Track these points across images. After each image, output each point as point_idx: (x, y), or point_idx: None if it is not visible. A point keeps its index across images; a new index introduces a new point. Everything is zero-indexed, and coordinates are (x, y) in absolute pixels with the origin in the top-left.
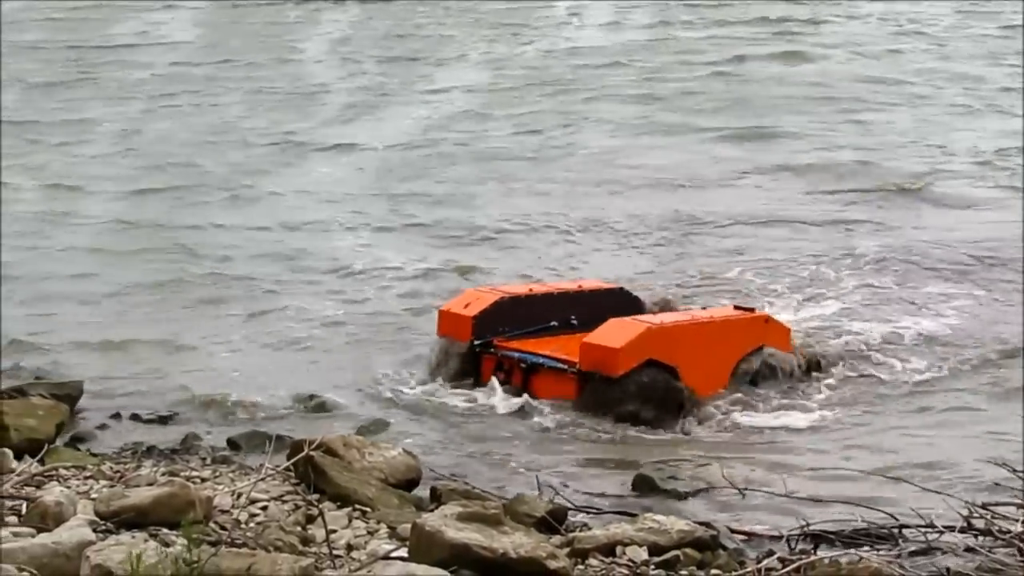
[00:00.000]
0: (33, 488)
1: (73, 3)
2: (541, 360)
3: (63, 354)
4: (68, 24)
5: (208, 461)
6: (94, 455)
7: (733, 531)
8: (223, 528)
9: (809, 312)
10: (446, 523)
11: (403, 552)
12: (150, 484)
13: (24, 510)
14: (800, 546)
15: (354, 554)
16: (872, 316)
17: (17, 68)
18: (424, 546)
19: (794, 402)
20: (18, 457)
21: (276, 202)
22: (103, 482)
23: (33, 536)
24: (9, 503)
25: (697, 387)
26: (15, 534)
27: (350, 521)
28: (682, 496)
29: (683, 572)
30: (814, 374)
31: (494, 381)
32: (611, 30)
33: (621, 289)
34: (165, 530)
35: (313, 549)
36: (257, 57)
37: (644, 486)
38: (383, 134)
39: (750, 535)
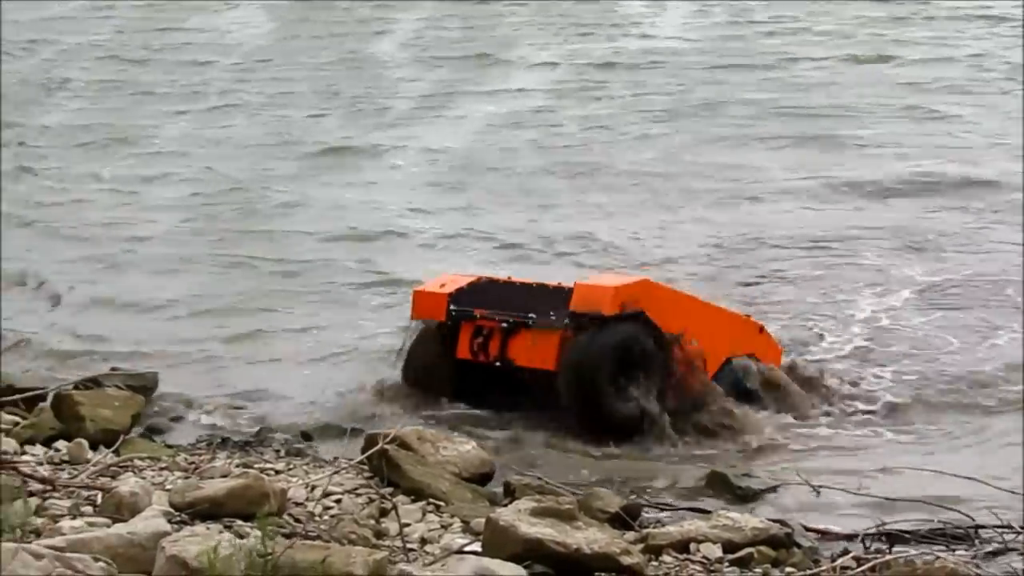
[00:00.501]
0: (108, 478)
1: (142, 3)
2: (524, 318)
3: (137, 348)
4: (134, 24)
5: (282, 453)
6: (169, 446)
7: (807, 529)
8: (297, 521)
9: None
10: (520, 518)
11: (477, 547)
12: (224, 476)
13: (99, 500)
14: (875, 545)
15: (428, 548)
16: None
17: (81, 71)
18: (498, 541)
19: (863, 403)
20: (93, 447)
21: (344, 204)
22: (178, 473)
23: (108, 526)
24: (85, 493)
25: (677, 363)
26: (90, 524)
27: (424, 515)
28: (756, 494)
29: (757, 570)
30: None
31: None
32: (686, 29)
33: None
34: (239, 522)
35: (387, 543)
36: (327, 57)
37: (718, 483)
38: (453, 135)
39: (824, 533)
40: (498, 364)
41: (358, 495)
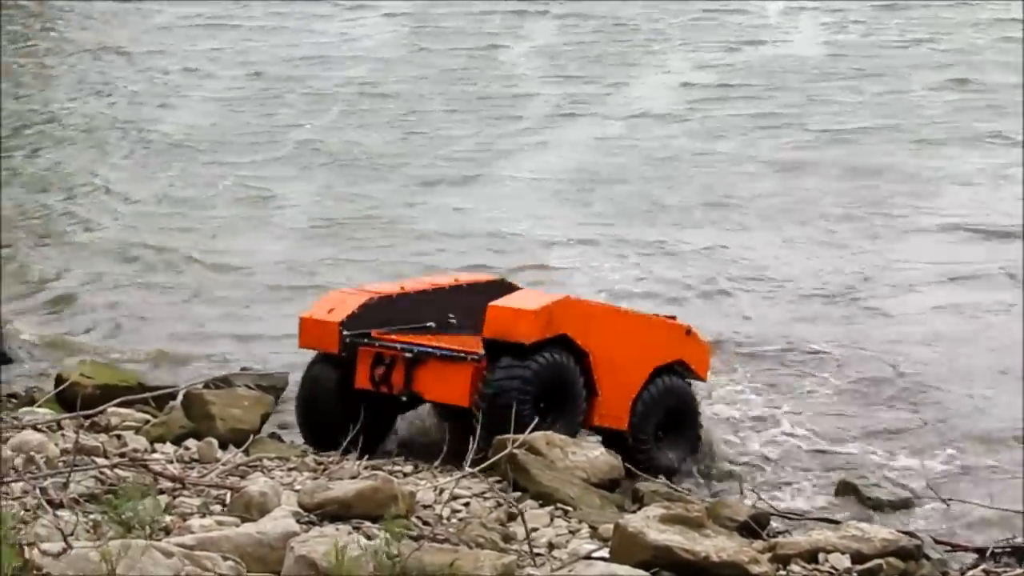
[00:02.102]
0: (238, 478)
1: (271, 8)
2: (430, 349)
3: (267, 348)
4: (261, 31)
5: (410, 456)
6: (298, 447)
7: (937, 541)
8: (425, 523)
9: None
10: (648, 524)
11: (604, 552)
12: (353, 477)
13: (228, 499)
14: (1005, 559)
15: (555, 553)
16: None
17: (207, 77)
18: (626, 547)
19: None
20: (223, 447)
21: (474, 210)
22: (306, 474)
23: (237, 526)
24: (214, 492)
25: (602, 384)
26: (219, 523)
27: (552, 520)
28: (885, 505)
29: None
30: None
31: None
32: (823, 34)
33: (502, 281)
34: (367, 523)
35: (514, 547)
36: (456, 63)
37: (848, 493)
38: (581, 141)
39: (954, 546)
40: (404, 398)
41: (486, 499)
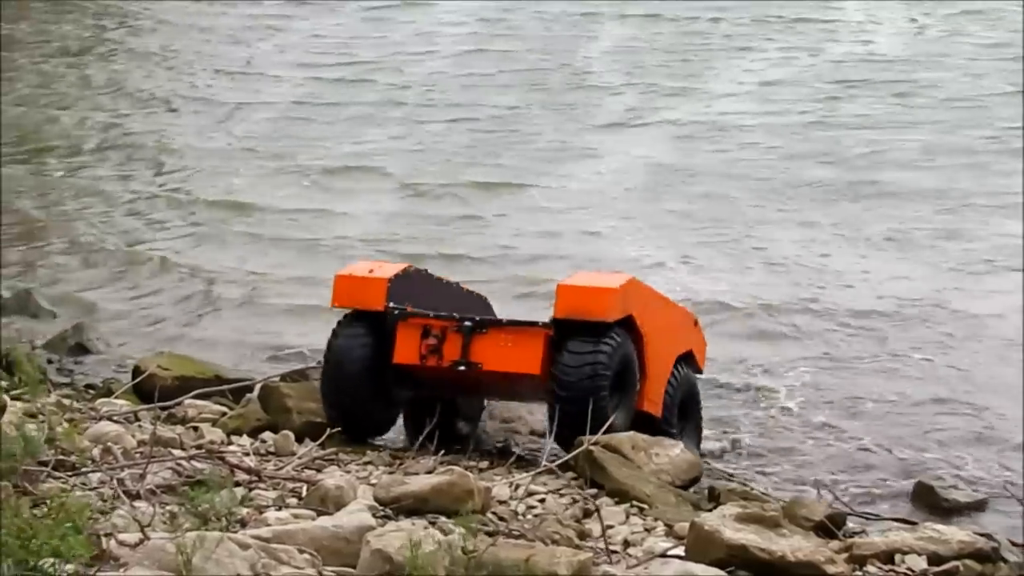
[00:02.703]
0: (313, 471)
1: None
2: (491, 319)
3: None
4: (338, 30)
5: (485, 453)
6: (373, 441)
7: (1014, 544)
8: (501, 519)
9: None
10: (724, 523)
11: (680, 551)
12: (429, 472)
13: (304, 493)
14: None
15: (631, 551)
16: None
17: (294, 72)
18: (702, 545)
19: None
20: (299, 440)
21: (548, 207)
22: (382, 468)
23: (313, 519)
24: (290, 485)
25: (649, 368)
26: (295, 516)
27: (627, 517)
28: (962, 507)
29: None
30: None
31: None
32: (906, 35)
33: (485, 300)
34: (443, 518)
35: (590, 544)
36: (532, 61)
37: (924, 495)
38: (655, 144)
39: None
40: (461, 368)
41: (562, 495)
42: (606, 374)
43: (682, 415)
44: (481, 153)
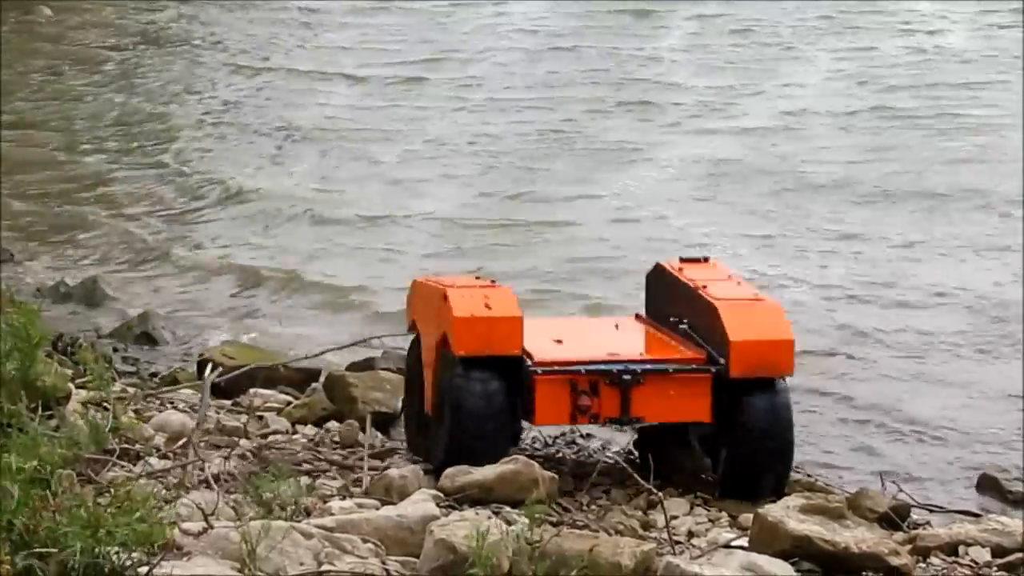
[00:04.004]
0: (378, 461)
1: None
2: (652, 366)
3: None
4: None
5: (549, 442)
6: None
7: None
8: (565, 509)
9: None
10: (788, 514)
11: (744, 541)
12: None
13: (369, 482)
14: None
15: (695, 541)
16: None
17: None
18: (766, 536)
19: None
20: (363, 429)
21: (614, 207)
22: None
23: (377, 508)
24: (354, 475)
25: None
26: (360, 505)
27: (691, 508)
28: None
29: None
30: None
31: None
32: (980, 33)
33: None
34: (507, 508)
35: (653, 534)
36: (598, 55)
37: (989, 487)
38: (728, 140)
39: None
40: (622, 428)
41: (627, 486)
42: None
43: None
44: (536, 155)
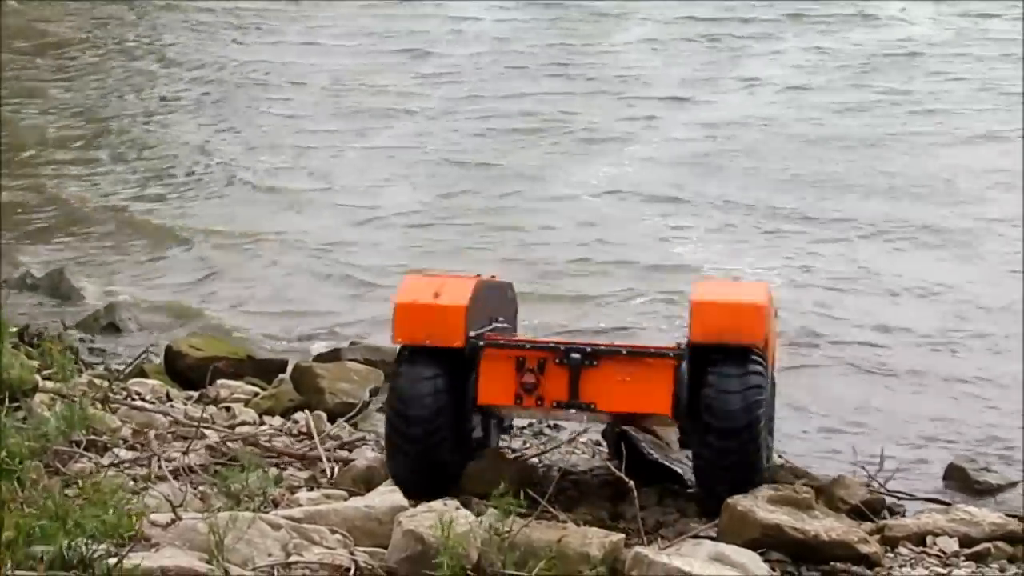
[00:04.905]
0: (345, 452)
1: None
2: (606, 348)
3: (377, 323)
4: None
5: (519, 432)
6: None
7: None
8: (534, 500)
9: None
10: (757, 504)
11: (712, 532)
12: None
13: (336, 473)
14: None
15: (663, 531)
16: None
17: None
18: (736, 526)
19: None
20: (331, 420)
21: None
22: None
23: (345, 499)
24: (321, 465)
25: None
26: (327, 496)
27: (660, 499)
28: (995, 489)
29: (994, 566)
30: None
31: None
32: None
33: (510, 285)
34: (476, 499)
35: (623, 525)
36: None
37: (956, 476)
38: (694, 127)
39: None
40: (571, 410)
41: (595, 476)
42: (763, 404)
43: None
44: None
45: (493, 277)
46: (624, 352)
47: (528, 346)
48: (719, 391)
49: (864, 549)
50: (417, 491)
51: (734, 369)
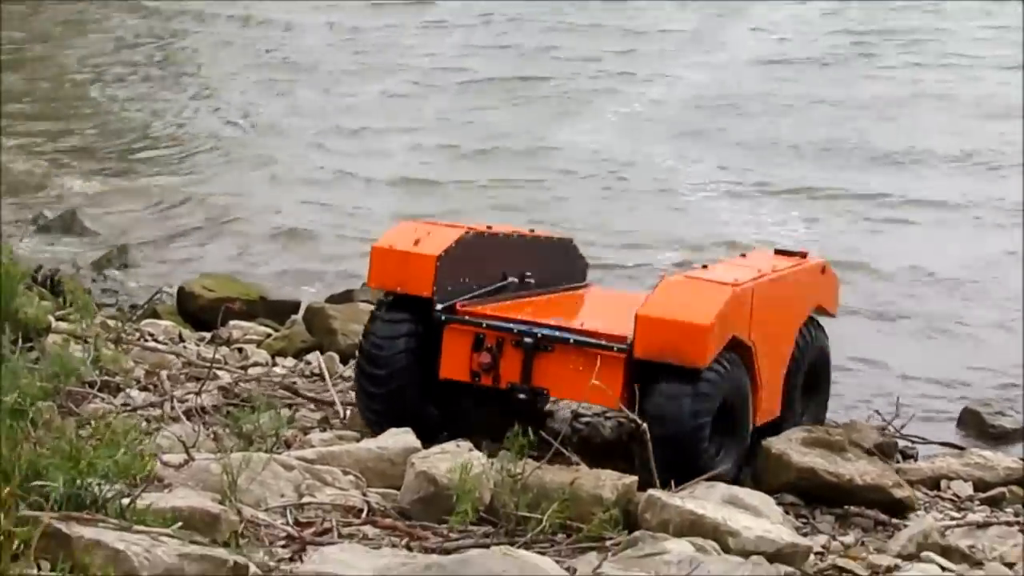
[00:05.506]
0: None
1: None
2: (559, 333)
3: None
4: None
5: None
6: None
7: None
8: (548, 442)
9: None
10: (791, 447)
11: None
12: None
13: (348, 415)
14: None
15: None
16: None
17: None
18: (771, 469)
19: None
20: (344, 362)
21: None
22: None
23: (357, 440)
24: (334, 408)
25: (761, 375)
26: (340, 437)
27: None
28: (1009, 434)
29: (1008, 510)
30: None
31: None
32: None
33: (571, 242)
34: (489, 441)
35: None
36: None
37: (971, 421)
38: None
39: None
40: (521, 396)
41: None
42: (704, 419)
43: (808, 389)
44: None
45: (490, 227)
46: (572, 341)
47: (485, 324)
48: (660, 401)
49: (898, 494)
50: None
51: (676, 385)
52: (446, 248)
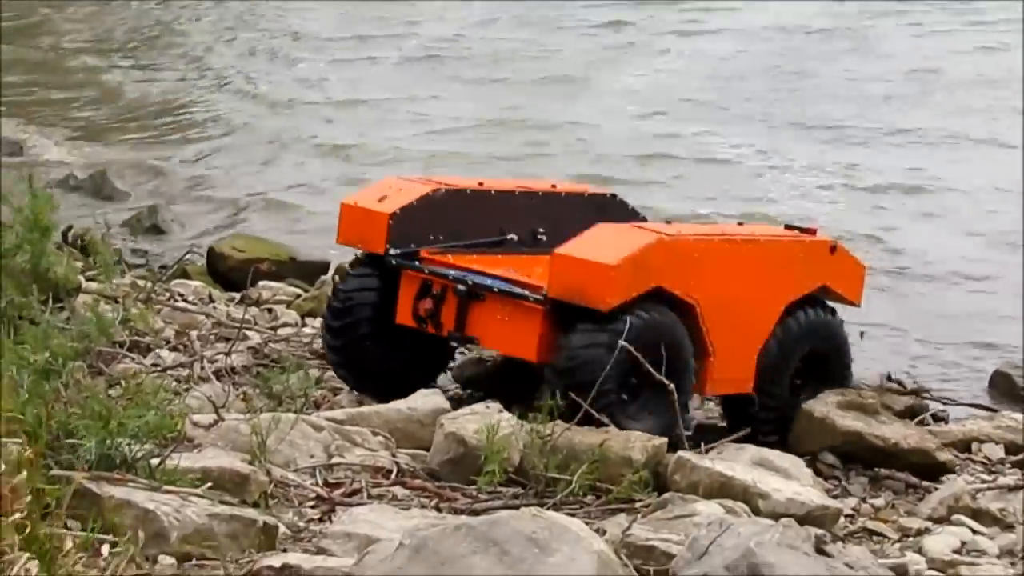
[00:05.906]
0: None
1: None
2: (488, 281)
3: None
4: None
5: None
6: None
7: None
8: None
9: None
10: (831, 411)
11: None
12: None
13: None
14: None
15: (705, 435)
16: None
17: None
18: (814, 432)
19: None
20: None
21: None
22: (460, 351)
23: (387, 401)
24: None
25: (715, 341)
26: (369, 398)
27: (702, 402)
28: None
29: None
30: None
31: None
32: None
33: (614, 197)
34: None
35: None
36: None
37: (1001, 384)
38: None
39: None
40: (453, 344)
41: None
42: (608, 362)
43: (812, 372)
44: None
45: (482, 183)
46: (495, 288)
47: (428, 270)
48: (565, 345)
49: (941, 457)
50: (352, 387)
51: (586, 334)
52: (403, 206)
